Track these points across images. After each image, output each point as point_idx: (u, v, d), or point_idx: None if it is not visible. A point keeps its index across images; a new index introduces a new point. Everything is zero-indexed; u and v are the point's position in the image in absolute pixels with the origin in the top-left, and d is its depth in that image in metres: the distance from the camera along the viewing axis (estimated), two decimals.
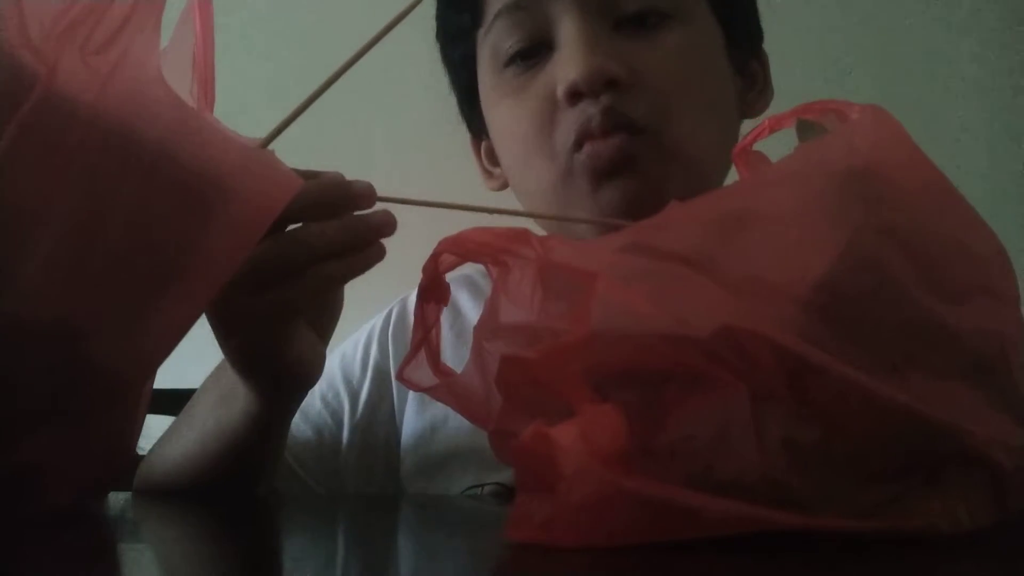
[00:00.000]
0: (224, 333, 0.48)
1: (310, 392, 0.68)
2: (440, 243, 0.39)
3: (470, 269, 0.72)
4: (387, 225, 0.46)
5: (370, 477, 0.70)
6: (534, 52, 0.63)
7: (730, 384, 0.31)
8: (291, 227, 0.46)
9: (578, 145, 0.60)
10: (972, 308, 0.35)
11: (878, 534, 0.31)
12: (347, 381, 0.72)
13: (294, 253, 0.45)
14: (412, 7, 0.48)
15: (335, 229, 0.45)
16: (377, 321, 0.75)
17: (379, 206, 0.46)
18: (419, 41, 0.78)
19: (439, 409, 0.68)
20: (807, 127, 0.42)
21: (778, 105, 0.71)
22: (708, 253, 0.34)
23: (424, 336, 0.41)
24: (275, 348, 0.48)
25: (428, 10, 0.77)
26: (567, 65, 0.59)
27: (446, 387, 0.41)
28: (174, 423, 0.63)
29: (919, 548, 0.31)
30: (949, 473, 0.33)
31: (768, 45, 0.73)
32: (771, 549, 0.31)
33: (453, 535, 0.44)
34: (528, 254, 0.35)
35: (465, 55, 0.70)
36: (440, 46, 0.74)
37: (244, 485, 0.58)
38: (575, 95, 0.59)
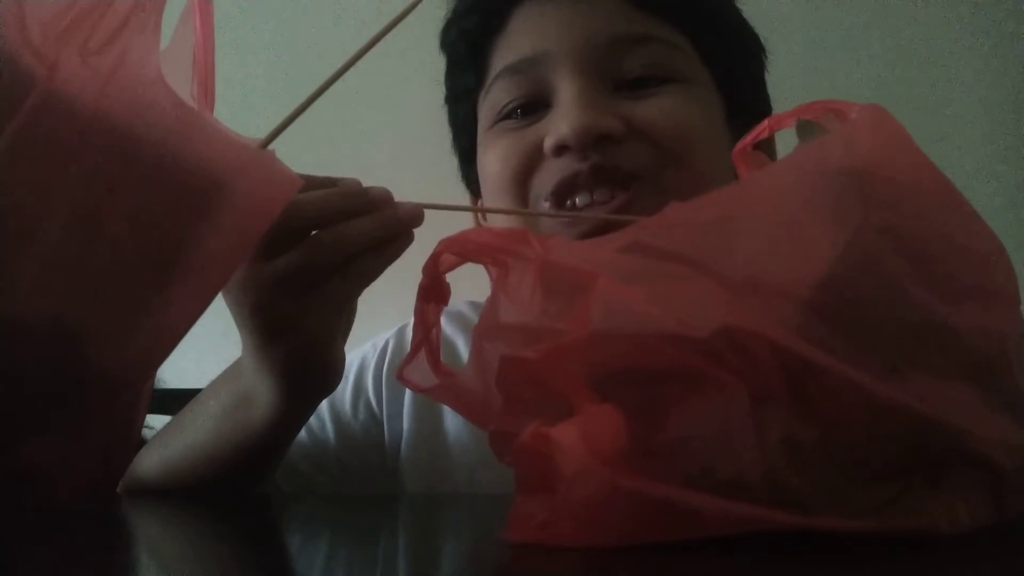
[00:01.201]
0: (270, 338, 0.49)
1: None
2: (440, 243, 0.39)
3: (462, 306, 0.75)
4: (416, 217, 0.48)
5: (365, 480, 0.71)
6: (531, 109, 0.64)
7: (730, 384, 0.31)
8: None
9: (555, 196, 0.61)
10: (972, 308, 0.35)
11: (878, 534, 0.31)
12: (333, 410, 0.73)
13: (337, 250, 0.46)
14: (412, 7, 0.48)
15: (371, 225, 0.47)
16: (368, 352, 0.76)
17: None
18: (420, 42, 0.79)
19: (437, 409, 0.69)
20: (807, 127, 0.42)
21: (778, 105, 0.71)
22: (708, 253, 0.34)
23: (424, 336, 0.41)
24: (323, 350, 0.50)
25: (429, 11, 0.77)
26: (560, 119, 0.60)
27: (446, 387, 0.41)
28: (172, 423, 0.63)
29: (919, 548, 0.31)
30: (949, 473, 0.32)
31: (768, 45, 0.73)
32: (771, 549, 0.31)
33: (453, 535, 0.44)
34: (528, 254, 0.35)
35: (467, 115, 0.71)
36: (447, 108, 0.75)
37: (248, 486, 0.58)
38: (562, 148, 0.60)
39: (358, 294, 0.50)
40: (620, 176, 0.60)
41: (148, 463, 0.60)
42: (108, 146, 0.38)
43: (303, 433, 0.68)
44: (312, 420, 0.70)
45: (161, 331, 0.41)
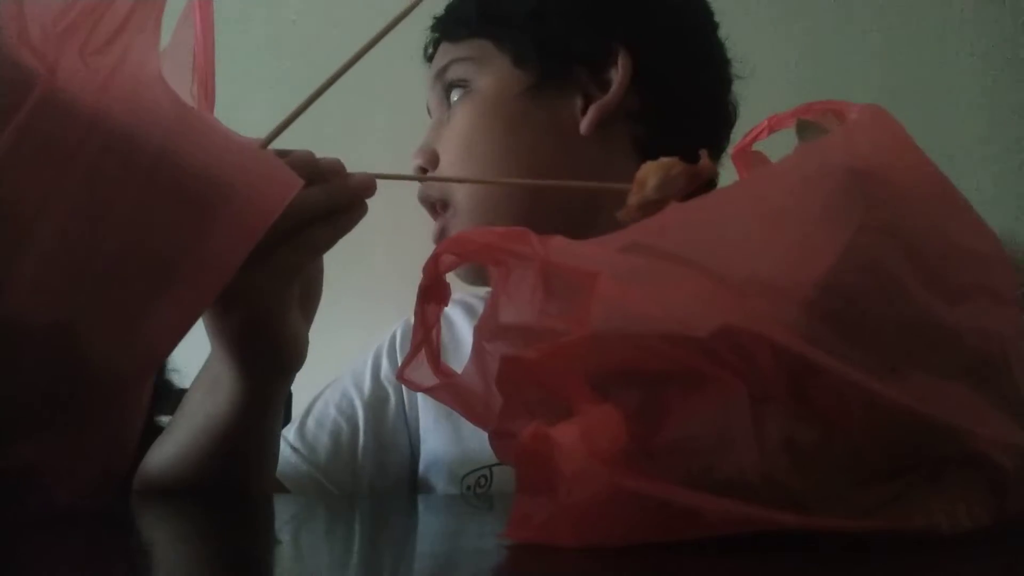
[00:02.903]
0: (223, 310, 0.50)
1: (325, 403, 0.76)
2: (441, 243, 0.39)
3: (467, 295, 0.81)
4: (368, 187, 0.49)
5: (385, 477, 0.74)
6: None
7: (730, 384, 0.31)
8: None
9: None
10: (972, 308, 0.35)
11: (878, 534, 0.31)
12: (358, 388, 0.78)
13: (285, 219, 0.46)
14: (412, 7, 0.48)
15: (321, 194, 0.48)
16: (384, 340, 0.82)
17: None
18: (420, 42, 0.79)
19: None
20: (807, 127, 0.42)
21: (779, 106, 0.71)
22: (708, 254, 0.34)
23: (424, 336, 0.41)
24: (274, 320, 0.50)
25: (429, 12, 0.77)
26: None
27: (446, 387, 0.41)
28: (169, 422, 0.63)
29: (919, 548, 0.31)
30: (949, 473, 0.33)
31: (768, 45, 0.73)
32: (771, 549, 0.31)
33: (453, 535, 0.44)
34: (529, 254, 0.35)
35: None
36: None
37: (235, 482, 0.57)
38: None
39: (307, 265, 0.51)
40: (432, 202, 0.74)
41: (149, 462, 0.60)
42: (108, 146, 0.38)
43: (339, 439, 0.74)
44: (342, 402, 0.76)
45: (161, 331, 0.41)
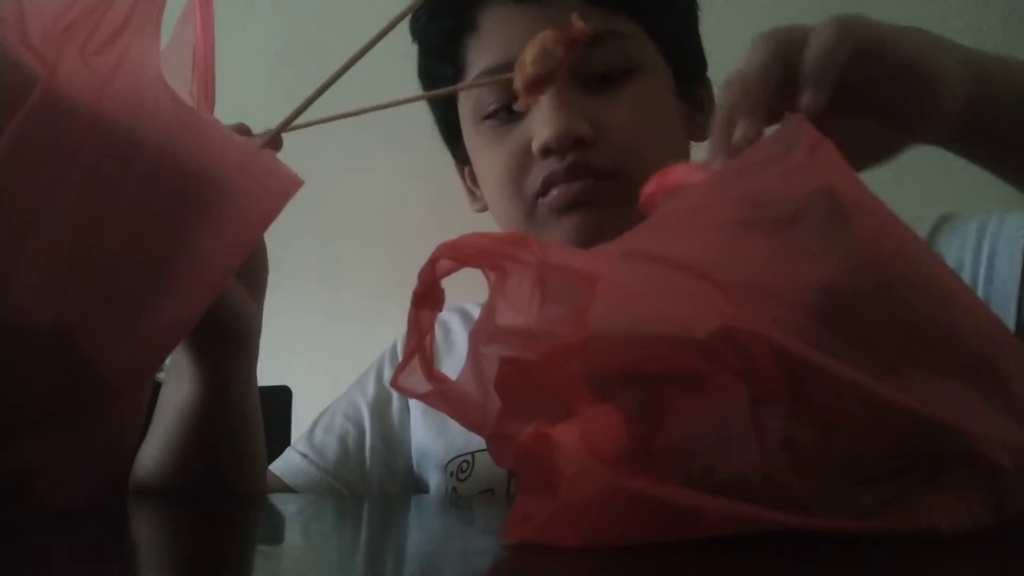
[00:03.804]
0: None
1: (332, 412, 0.79)
2: (437, 248, 0.39)
3: (464, 303, 0.83)
4: (274, 145, 0.49)
5: (394, 475, 0.77)
6: (511, 109, 0.70)
7: (730, 384, 0.31)
8: None
9: (544, 191, 0.70)
10: (971, 307, 0.35)
11: (878, 534, 0.31)
12: (363, 394, 0.81)
13: None
14: (411, 8, 0.48)
15: None
16: (386, 349, 0.85)
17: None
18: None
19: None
20: None
21: None
22: (707, 259, 0.34)
23: (418, 343, 0.41)
24: None
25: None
26: (541, 126, 0.69)
27: (440, 394, 0.41)
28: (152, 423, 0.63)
29: (919, 548, 0.31)
30: (949, 473, 0.32)
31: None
32: (771, 549, 0.31)
33: (453, 535, 0.44)
34: (527, 258, 0.35)
35: (447, 97, 0.79)
36: (422, 84, 0.81)
37: (215, 477, 0.57)
38: (546, 151, 0.69)
39: None
40: (592, 172, 0.69)
41: (137, 464, 0.60)
42: (108, 146, 0.38)
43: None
44: (348, 408, 0.79)
45: (161, 332, 0.41)
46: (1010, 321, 0.56)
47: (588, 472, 0.30)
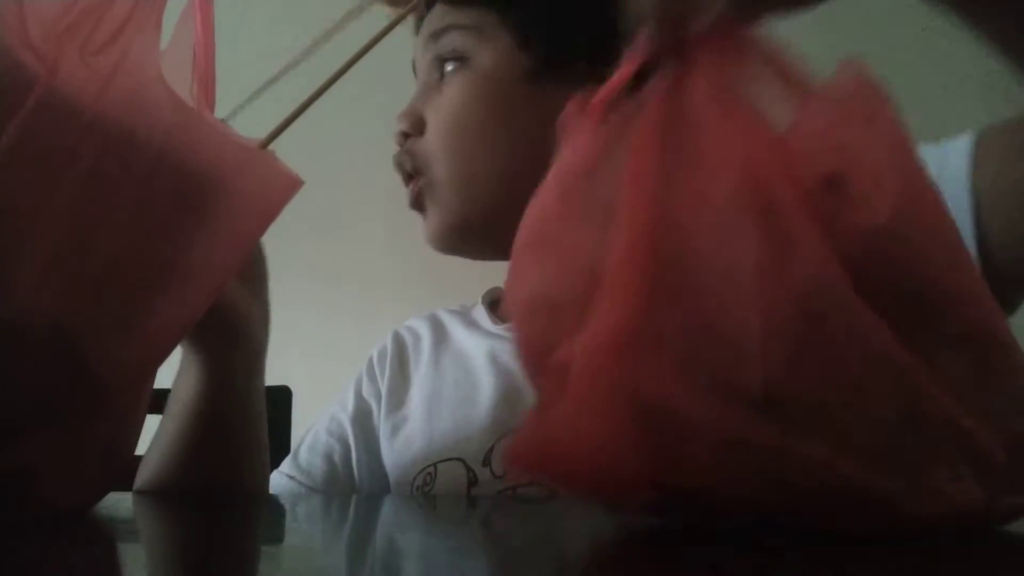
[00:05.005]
0: None
1: (315, 432, 0.79)
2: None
3: (460, 307, 0.83)
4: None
5: (383, 487, 0.76)
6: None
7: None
8: None
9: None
10: (971, 306, 0.35)
11: (858, 483, 0.31)
12: (344, 409, 0.80)
13: None
14: (410, 9, 0.48)
15: None
16: (363, 367, 0.84)
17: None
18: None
19: (401, 413, 0.76)
20: None
21: None
22: None
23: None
24: None
25: None
26: None
27: None
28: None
29: (919, 548, 0.31)
30: (944, 463, 0.32)
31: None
32: (772, 549, 0.31)
33: (451, 535, 0.44)
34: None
35: None
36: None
37: (212, 472, 0.57)
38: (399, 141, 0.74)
39: None
40: (407, 169, 0.73)
41: (144, 462, 0.60)
42: (108, 146, 0.38)
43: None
44: (331, 425, 0.78)
45: (161, 332, 0.41)
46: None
47: (589, 367, 0.31)
